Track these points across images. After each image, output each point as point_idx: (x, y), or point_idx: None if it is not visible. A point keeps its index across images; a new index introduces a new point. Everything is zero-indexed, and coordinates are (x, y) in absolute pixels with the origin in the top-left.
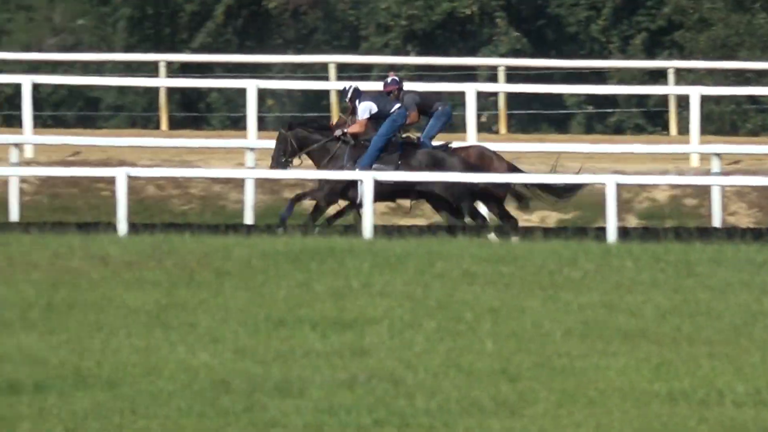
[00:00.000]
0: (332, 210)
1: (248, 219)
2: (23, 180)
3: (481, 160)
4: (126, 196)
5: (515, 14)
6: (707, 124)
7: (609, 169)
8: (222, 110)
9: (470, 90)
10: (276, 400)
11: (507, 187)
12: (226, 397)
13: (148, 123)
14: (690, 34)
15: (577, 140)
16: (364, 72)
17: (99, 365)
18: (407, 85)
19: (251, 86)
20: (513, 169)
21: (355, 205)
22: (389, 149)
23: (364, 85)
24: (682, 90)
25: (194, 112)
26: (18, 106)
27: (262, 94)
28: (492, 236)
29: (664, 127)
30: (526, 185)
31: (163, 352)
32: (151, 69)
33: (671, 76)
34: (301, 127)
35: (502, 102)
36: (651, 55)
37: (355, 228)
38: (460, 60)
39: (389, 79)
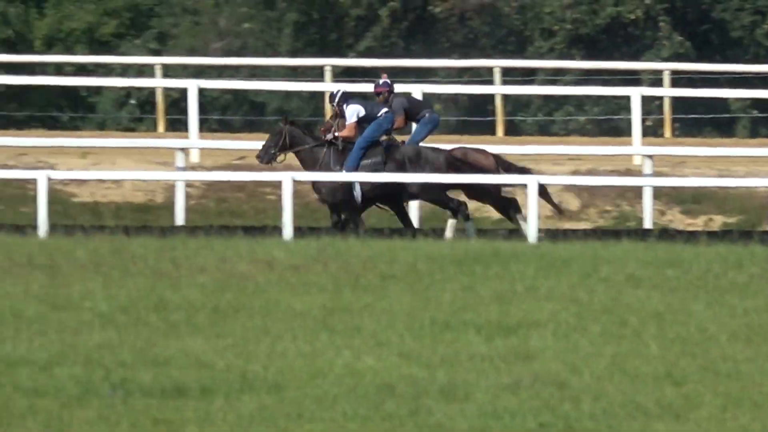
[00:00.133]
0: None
1: (413, 222)
2: (189, 184)
3: (464, 160)
4: (291, 200)
5: (679, 18)
6: None
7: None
8: None
9: (635, 94)
10: (441, 404)
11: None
12: (391, 401)
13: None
14: None
15: (742, 144)
16: (528, 76)
17: (265, 369)
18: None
19: (416, 91)
20: (503, 164)
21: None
22: (373, 145)
23: (526, 89)
24: None
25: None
26: (184, 111)
27: (427, 97)
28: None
29: None
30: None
31: (328, 355)
32: (316, 74)
33: None
34: (298, 126)
35: (666, 106)
36: None
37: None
38: (625, 64)
39: (381, 81)
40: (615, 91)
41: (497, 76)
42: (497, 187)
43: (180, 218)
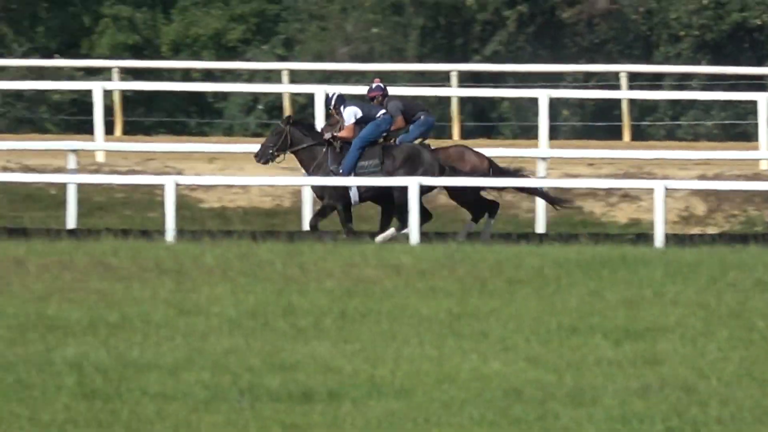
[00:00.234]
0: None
1: (540, 228)
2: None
3: (460, 160)
4: (418, 205)
5: None
6: None
7: None
8: (513, 120)
9: (762, 99)
10: (568, 409)
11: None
12: (518, 405)
13: (440, 132)
14: None
15: None
16: (654, 81)
17: (392, 373)
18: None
19: (543, 96)
20: (495, 168)
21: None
22: (370, 146)
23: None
24: None
25: (486, 121)
26: (311, 116)
27: (554, 103)
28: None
29: None
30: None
31: (455, 360)
32: (442, 78)
33: None
34: (299, 126)
35: None
36: None
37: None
38: (751, 69)
39: (374, 85)
40: (742, 96)
41: (623, 81)
42: (475, 189)
43: (306, 223)
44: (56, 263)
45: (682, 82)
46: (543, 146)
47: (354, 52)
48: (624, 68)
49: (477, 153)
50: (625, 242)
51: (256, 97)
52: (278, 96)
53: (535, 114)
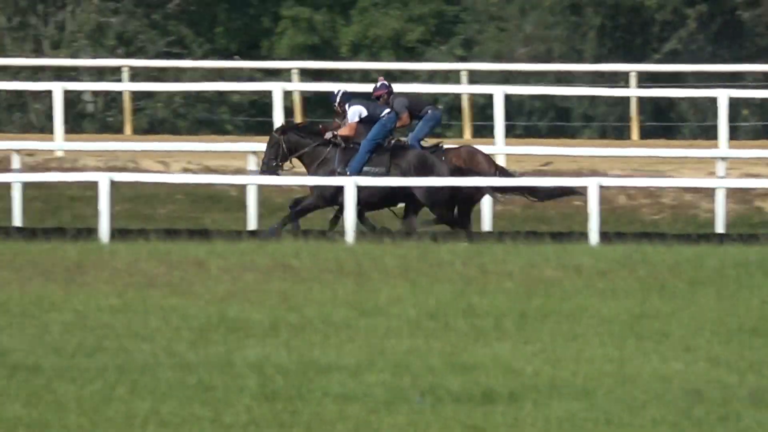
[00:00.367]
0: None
1: (719, 228)
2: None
3: (471, 161)
4: (598, 206)
5: None
6: None
7: None
8: (692, 120)
9: None
10: (750, 410)
11: (486, 190)
12: (699, 406)
13: (619, 133)
14: None
15: None
16: None
17: (573, 375)
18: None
19: (722, 95)
20: (501, 171)
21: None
22: (379, 152)
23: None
24: None
25: (665, 121)
26: (490, 117)
27: (734, 103)
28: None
29: None
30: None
31: (636, 361)
32: (621, 79)
33: None
34: (293, 131)
35: None
36: None
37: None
38: None
39: (378, 84)
40: None
41: None
42: (482, 196)
43: (487, 224)
44: (237, 265)
45: None
46: (723, 146)
47: (533, 52)
48: None
49: (486, 156)
50: None
51: (435, 97)
52: (457, 96)
53: (715, 114)
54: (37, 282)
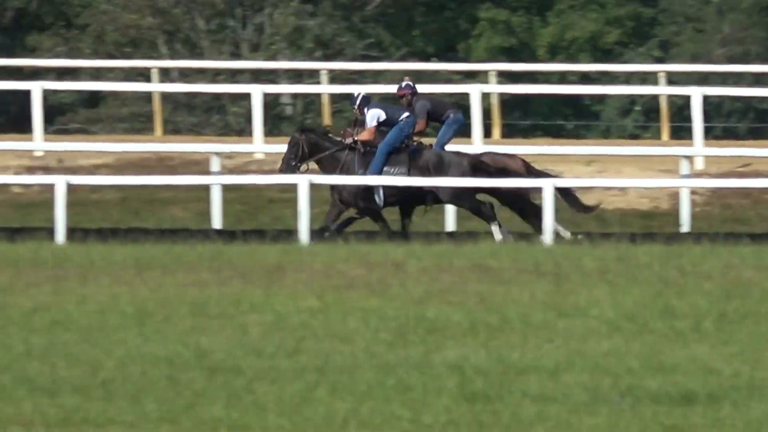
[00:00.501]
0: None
1: None
2: (694, 191)
3: (495, 165)
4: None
5: None
6: None
7: None
8: None
9: None
10: None
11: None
12: None
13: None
14: None
15: None
16: None
17: None
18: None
19: None
20: (532, 171)
21: (368, 214)
22: (398, 152)
23: None
24: None
25: None
26: (688, 118)
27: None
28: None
29: None
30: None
31: None
32: None
33: None
34: (313, 134)
35: None
36: None
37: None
38: None
39: (403, 84)
40: None
41: None
42: (526, 193)
43: (685, 225)
44: (435, 266)
45: None
46: None
47: (730, 53)
48: None
49: (509, 155)
50: None
51: (633, 99)
52: (655, 98)
53: None
54: (236, 283)
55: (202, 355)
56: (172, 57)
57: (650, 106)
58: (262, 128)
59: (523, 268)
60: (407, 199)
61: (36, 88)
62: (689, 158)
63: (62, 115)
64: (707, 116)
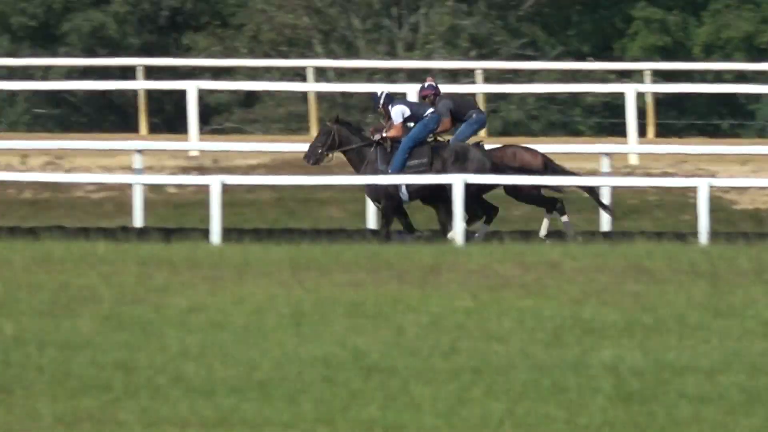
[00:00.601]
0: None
1: None
2: None
3: (516, 161)
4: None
5: None
6: None
7: None
8: None
9: None
10: None
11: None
12: None
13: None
14: None
15: None
16: None
17: None
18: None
19: None
20: (552, 166)
21: (391, 211)
22: (420, 145)
23: None
24: None
25: None
26: None
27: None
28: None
29: None
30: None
31: None
32: None
33: None
34: (346, 126)
35: None
36: None
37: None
38: None
39: (426, 84)
40: None
41: None
42: (536, 187)
43: None
44: (591, 266)
45: None
46: None
47: None
48: None
49: (530, 150)
50: None
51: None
52: None
53: None
54: (392, 284)
55: (358, 356)
56: (328, 56)
57: None
58: None
59: (679, 268)
60: (434, 194)
61: (191, 88)
62: None
63: (218, 114)
64: None
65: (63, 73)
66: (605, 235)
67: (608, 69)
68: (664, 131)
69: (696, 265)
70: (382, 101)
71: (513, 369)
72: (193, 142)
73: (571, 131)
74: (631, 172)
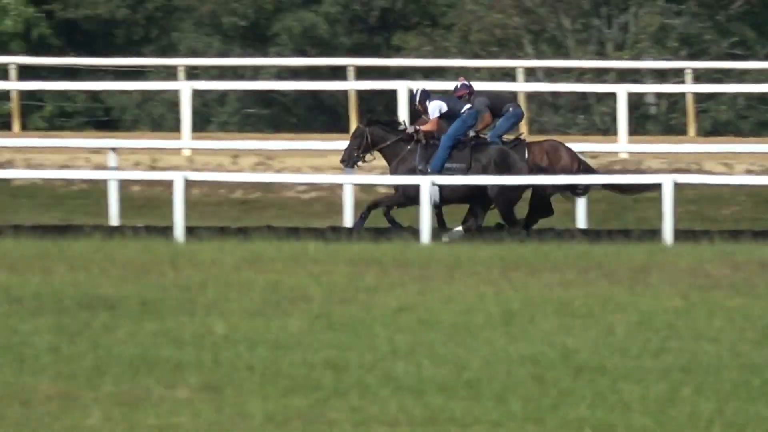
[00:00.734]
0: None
1: None
2: None
3: (553, 156)
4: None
5: None
6: None
7: None
8: None
9: None
10: None
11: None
12: None
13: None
14: None
15: None
16: None
17: None
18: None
19: None
20: (584, 166)
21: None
22: (460, 147)
23: None
24: None
25: None
26: None
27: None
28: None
29: None
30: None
31: None
32: None
33: None
34: (378, 125)
35: None
36: None
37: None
38: None
39: (459, 84)
40: None
41: None
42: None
43: None
44: None
45: None
46: None
47: None
48: None
49: (569, 150)
50: None
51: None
52: None
53: None
54: (601, 283)
55: (567, 355)
56: (538, 56)
57: None
58: (626, 128)
59: None
60: (469, 197)
61: (402, 88)
62: None
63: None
64: None
65: (273, 74)
66: None
67: None
68: None
69: None
70: (419, 98)
71: (723, 368)
72: None
73: None
74: None
